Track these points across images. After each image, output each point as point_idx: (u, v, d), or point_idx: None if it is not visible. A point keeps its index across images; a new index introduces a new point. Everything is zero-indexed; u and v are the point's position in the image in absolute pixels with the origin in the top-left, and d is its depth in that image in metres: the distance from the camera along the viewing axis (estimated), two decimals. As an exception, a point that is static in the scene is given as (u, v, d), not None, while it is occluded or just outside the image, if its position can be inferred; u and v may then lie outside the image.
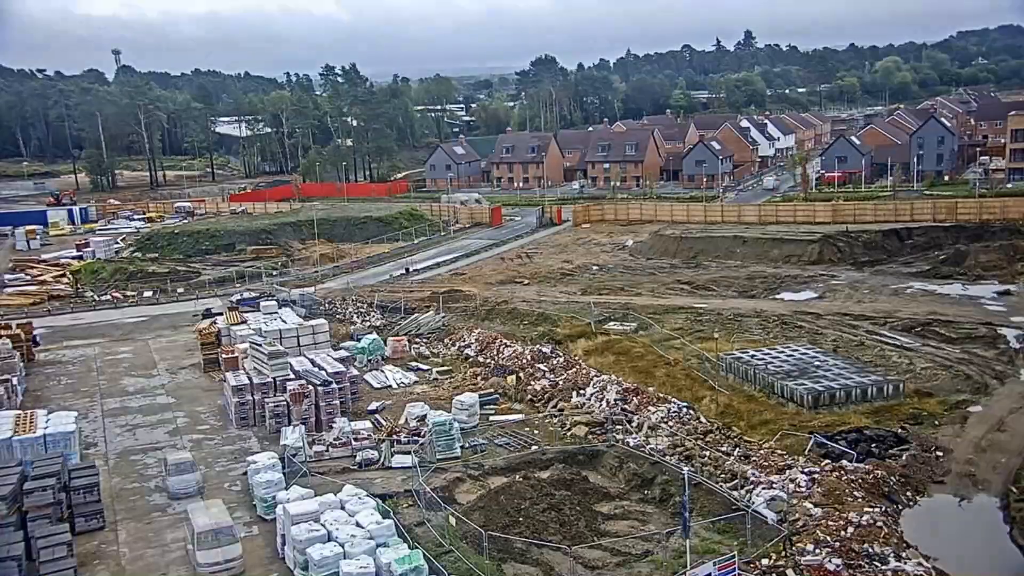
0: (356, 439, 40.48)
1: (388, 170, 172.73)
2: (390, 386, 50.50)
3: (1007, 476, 37.29)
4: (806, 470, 35.91)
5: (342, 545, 29.63)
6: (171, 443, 43.34)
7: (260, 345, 47.48)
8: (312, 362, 48.70)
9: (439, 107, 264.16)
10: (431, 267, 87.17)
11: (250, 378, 46.27)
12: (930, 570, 29.52)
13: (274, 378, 45.74)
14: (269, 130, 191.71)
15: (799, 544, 30.61)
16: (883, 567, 29.04)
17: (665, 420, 41.73)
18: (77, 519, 34.39)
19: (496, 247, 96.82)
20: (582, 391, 46.13)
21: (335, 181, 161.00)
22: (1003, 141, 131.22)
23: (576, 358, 52.31)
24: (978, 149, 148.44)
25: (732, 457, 37.78)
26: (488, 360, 53.74)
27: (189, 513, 32.26)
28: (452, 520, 32.60)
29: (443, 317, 63.56)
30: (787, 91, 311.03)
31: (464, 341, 57.72)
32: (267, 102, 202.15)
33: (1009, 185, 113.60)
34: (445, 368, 53.74)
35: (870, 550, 29.84)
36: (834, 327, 58.58)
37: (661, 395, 44.87)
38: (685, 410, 42.84)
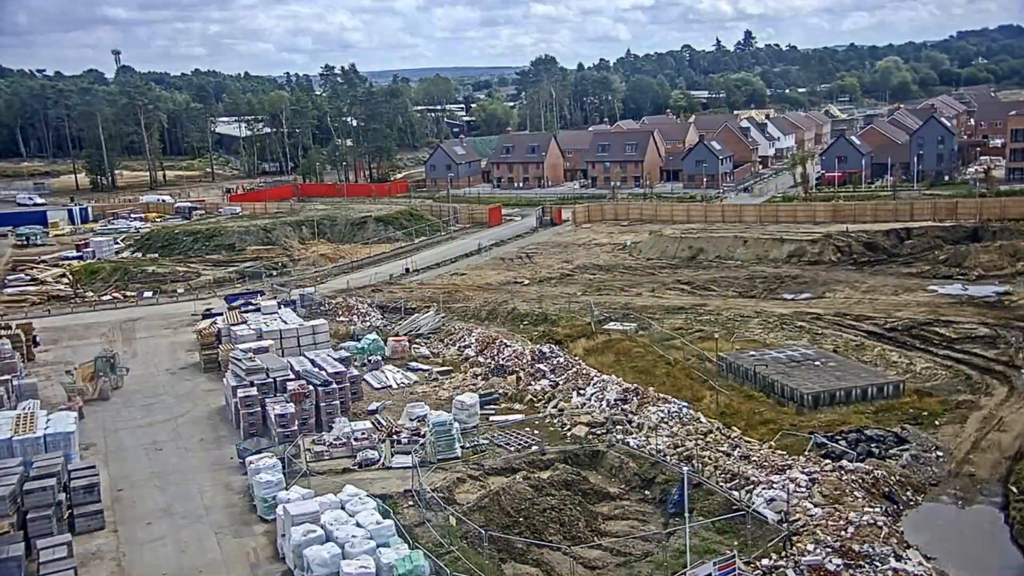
0: (356, 439, 40.47)
1: (388, 170, 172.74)
2: (390, 386, 50.47)
3: (1007, 476, 37.30)
4: (806, 470, 35.89)
5: (342, 546, 29.61)
6: (172, 442, 43.35)
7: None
8: (312, 362, 48.68)
9: (439, 107, 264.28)
10: (431, 267, 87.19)
11: (252, 381, 46.15)
12: (930, 570, 29.52)
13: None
14: (269, 130, 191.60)
15: (799, 544, 30.60)
16: (883, 567, 29.03)
17: (665, 420, 41.71)
18: (77, 519, 34.39)
19: (496, 247, 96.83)
20: (582, 391, 46.11)
21: (335, 181, 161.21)
22: (1002, 142, 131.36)
23: (576, 358, 52.30)
24: (978, 149, 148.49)
25: (732, 457, 37.76)
26: (488, 360, 53.72)
27: None
28: (452, 520, 32.59)
29: (443, 317, 63.55)
30: (787, 91, 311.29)
31: (464, 341, 57.71)
32: (266, 102, 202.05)
33: (1012, 187, 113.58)
34: (445, 368, 53.72)
35: (870, 550, 29.83)
36: (834, 327, 58.58)
37: (661, 395, 44.86)
38: (685, 410, 42.83)
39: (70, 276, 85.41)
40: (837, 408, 44.31)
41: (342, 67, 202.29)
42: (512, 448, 40.20)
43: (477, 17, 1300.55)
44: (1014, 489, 35.81)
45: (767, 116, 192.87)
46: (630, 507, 35.32)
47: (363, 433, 40.98)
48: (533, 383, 48.63)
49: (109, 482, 38.53)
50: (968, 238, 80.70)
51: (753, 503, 33.41)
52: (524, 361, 51.81)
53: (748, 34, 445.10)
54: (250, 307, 62.51)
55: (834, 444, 39.20)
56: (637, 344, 55.59)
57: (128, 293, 79.26)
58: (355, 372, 49.59)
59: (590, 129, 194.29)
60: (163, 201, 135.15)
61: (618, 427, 41.59)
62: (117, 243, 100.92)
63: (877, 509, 33.24)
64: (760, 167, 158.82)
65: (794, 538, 31.00)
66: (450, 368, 53.69)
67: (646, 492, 36.38)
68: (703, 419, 41.87)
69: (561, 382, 48.05)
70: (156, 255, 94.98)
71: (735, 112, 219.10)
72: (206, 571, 31.47)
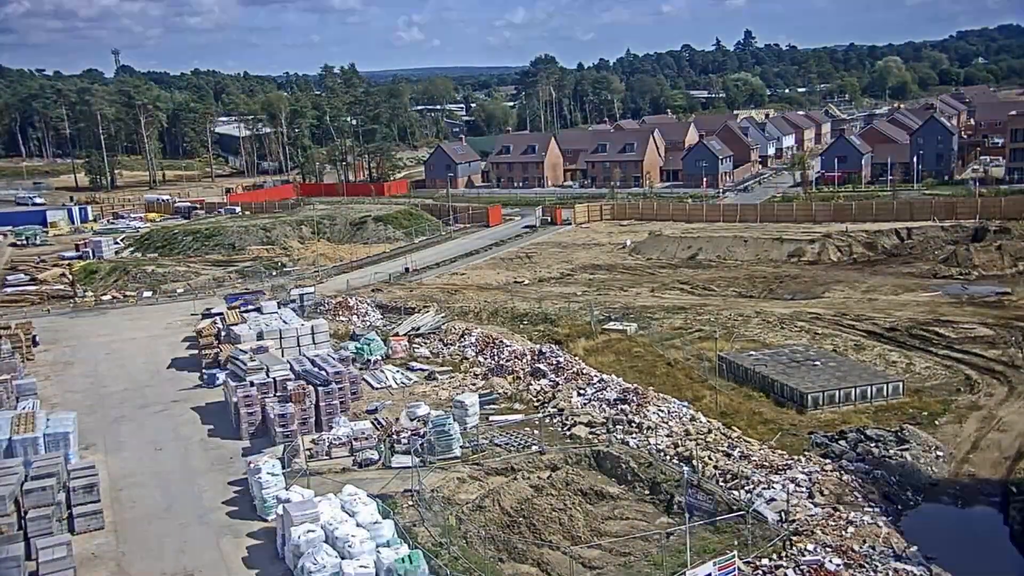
0: (356, 439, 40.44)
1: (388, 170, 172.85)
2: (390, 386, 50.43)
3: (1007, 476, 37.30)
4: (806, 470, 35.90)
5: (342, 546, 29.58)
6: (172, 442, 43.32)
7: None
8: (312, 362, 48.63)
9: (438, 107, 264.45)
10: (431, 267, 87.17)
11: (252, 381, 46.13)
12: (930, 570, 29.51)
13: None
14: (268, 130, 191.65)
15: (799, 544, 30.59)
16: (883, 567, 29.03)
17: (665, 420, 41.70)
18: (77, 519, 34.35)
19: (496, 247, 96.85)
20: (582, 391, 46.09)
21: (334, 181, 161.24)
22: (1002, 141, 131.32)
23: (576, 358, 52.27)
24: (978, 149, 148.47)
25: (732, 457, 37.75)
26: (488, 360, 53.70)
27: None
28: (452, 520, 32.58)
29: (443, 317, 63.53)
30: (786, 90, 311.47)
31: (464, 341, 57.69)
32: (266, 102, 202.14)
33: (1011, 187, 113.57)
34: (445, 368, 53.69)
35: (870, 550, 29.84)
36: (834, 327, 58.57)
37: (661, 395, 44.85)
38: (685, 410, 42.83)
39: (69, 275, 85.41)
40: (837, 408, 44.32)
41: (341, 67, 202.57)
42: (512, 448, 40.19)
43: (477, 16, 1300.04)
44: (1014, 489, 35.81)
45: (767, 116, 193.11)
46: (630, 507, 35.31)
47: (363, 433, 40.94)
48: (533, 383, 48.62)
49: (109, 482, 38.49)
50: (968, 238, 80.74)
51: (753, 503, 33.40)
52: (524, 361, 51.79)
53: (748, 34, 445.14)
54: (250, 307, 62.46)
55: (834, 444, 39.21)
56: (637, 344, 55.58)
57: (128, 293, 79.22)
58: (355, 372, 49.56)
59: (590, 129, 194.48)
60: (162, 200, 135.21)
61: (618, 427, 41.56)
62: (117, 243, 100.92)
63: (877, 509, 33.27)
64: (760, 167, 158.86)
65: (794, 538, 30.99)
66: (450, 368, 53.66)
67: (646, 492, 36.37)
68: (703, 419, 41.85)
69: (561, 382, 48.02)
70: (155, 255, 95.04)
71: (735, 112, 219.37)
72: (206, 571, 31.43)
